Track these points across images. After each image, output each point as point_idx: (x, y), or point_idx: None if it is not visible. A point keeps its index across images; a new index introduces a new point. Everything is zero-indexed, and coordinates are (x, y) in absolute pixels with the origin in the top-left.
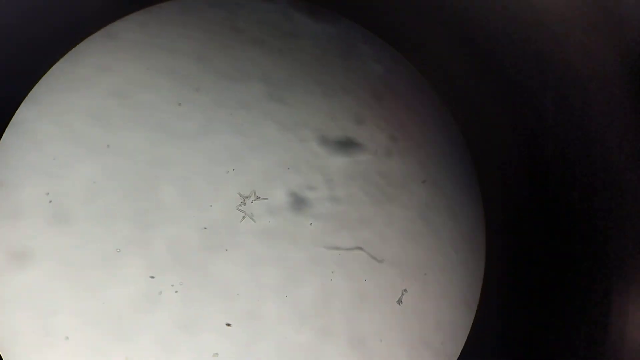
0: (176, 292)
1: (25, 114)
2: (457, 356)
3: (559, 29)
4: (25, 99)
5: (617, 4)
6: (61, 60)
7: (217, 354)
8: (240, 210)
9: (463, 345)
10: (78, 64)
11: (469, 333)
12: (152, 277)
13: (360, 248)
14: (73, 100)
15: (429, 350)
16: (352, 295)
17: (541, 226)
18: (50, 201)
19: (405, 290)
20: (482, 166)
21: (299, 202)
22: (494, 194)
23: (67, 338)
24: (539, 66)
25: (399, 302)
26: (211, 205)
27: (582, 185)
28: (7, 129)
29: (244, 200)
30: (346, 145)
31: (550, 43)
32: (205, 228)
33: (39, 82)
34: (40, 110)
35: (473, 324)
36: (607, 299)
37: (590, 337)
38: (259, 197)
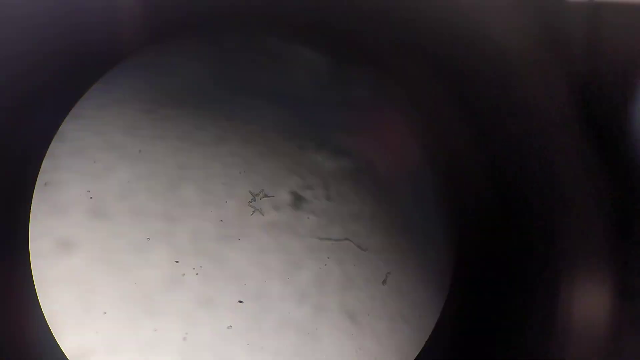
0: (197, 274)
1: (69, 126)
2: (432, 328)
3: (518, 62)
4: (69, 113)
5: (567, 41)
6: (99, 82)
7: (231, 326)
8: (251, 205)
9: (437, 319)
10: (114, 86)
11: (442, 309)
12: (177, 262)
13: (348, 239)
14: (110, 115)
15: (408, 324)
16: (344, 277)
17: (502, 226)
18: (91, 198)
19: (389, 273)
20: (452, 175)
21: (299, 200)
22: (463, 197)
23: (105, 313)
24: (503, 96)
25: (384, 283)
26: (226, 202)
27: (539, 195)
28: (54, 138)
29: (254, 198)
30: (339, 153)
31: (513, 77)
32: (221, 221)
33: (81, 99)
34: (83, 123)
35: (445, 301)
36: (556, 288)
37: (542, 320)
38: (266, 195)
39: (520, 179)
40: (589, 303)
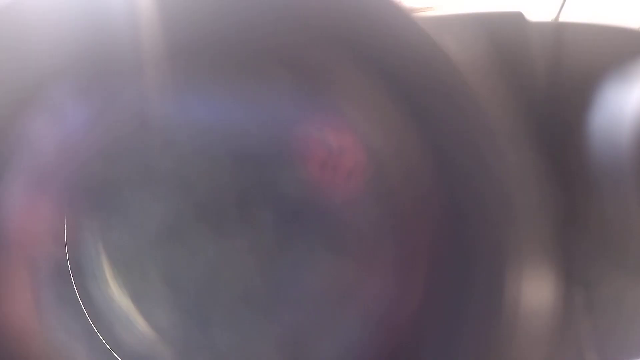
0: None
1: None
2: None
3: (474, 80)
4: None
5: (527, 58)
6: None
7: None
8: None
9: None
10: None
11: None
12: None
13: None
14: None
15: None
16: None
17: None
18: None
19: None
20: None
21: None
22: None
23: None
24: (458, 116)
25: None
26: None
27: (484, 186)
28: None
29: None
30: None
31: (466, 98)
32: None
33: None
34: None
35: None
36: (503, 273)
37: (488, 312)
38: None
39: (467, 175)
40: (536, 293)
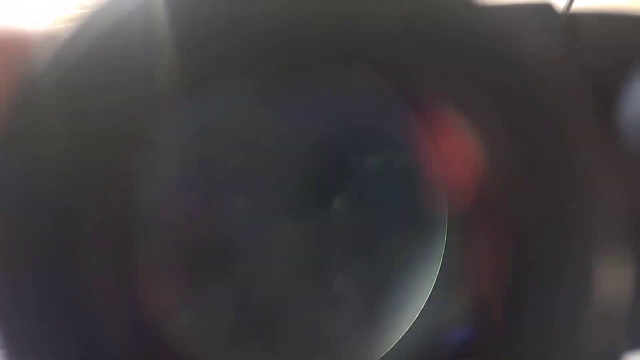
0: None
1: None
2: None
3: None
4: None
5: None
6: None
7: None
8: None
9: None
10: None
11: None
12: None
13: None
14: None
15: None
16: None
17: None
18: None
19: None
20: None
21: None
22: None
23: None
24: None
25: None
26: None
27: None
28: None
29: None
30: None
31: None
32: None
33: None
34: None
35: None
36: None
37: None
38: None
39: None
40: (616, 278)
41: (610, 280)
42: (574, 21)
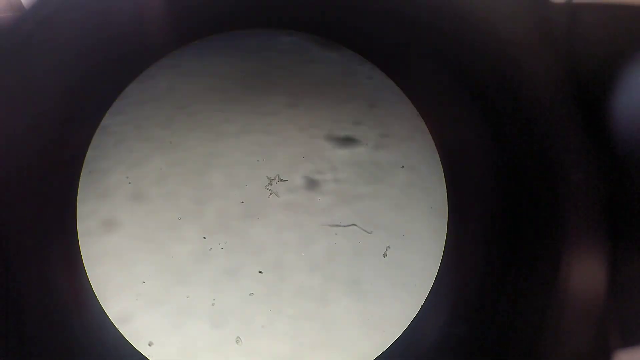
0: (222, 248)
1: (110, 120)
2: (427, 293)
3: (521, 57)
4: (109, 109)
5: (568, 40)
6: (136, 81)
7: (252, 293)
8: (268, 189)
9: (431, 285)
10: (150, 84)
11: (436, 276)
12: (204, 238)
13: (355, 225)
14: (146, 111)
15: (406, 290)
16: (350, 251)
17: (489, 205)
18: (130, 183)
19: (388, 247)
20: (448, 156)
21: (311, 183)
22: (455, 177)
23: (144, 282)
24: (502, 83)
25: (384, 255)
26: (247, 185)
27: (519, 169)
28: (96, 132)
29: (271, 182)
30: (346, 140)
31: (513, 66)
32: (242, 202)
33: (121, 97)
34: (123, 119)
35: (439, 269)
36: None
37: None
38: (281, 179)
39: (521, 160)
40: (585, 270)
41: (586, 276)
42: (572, 12)
